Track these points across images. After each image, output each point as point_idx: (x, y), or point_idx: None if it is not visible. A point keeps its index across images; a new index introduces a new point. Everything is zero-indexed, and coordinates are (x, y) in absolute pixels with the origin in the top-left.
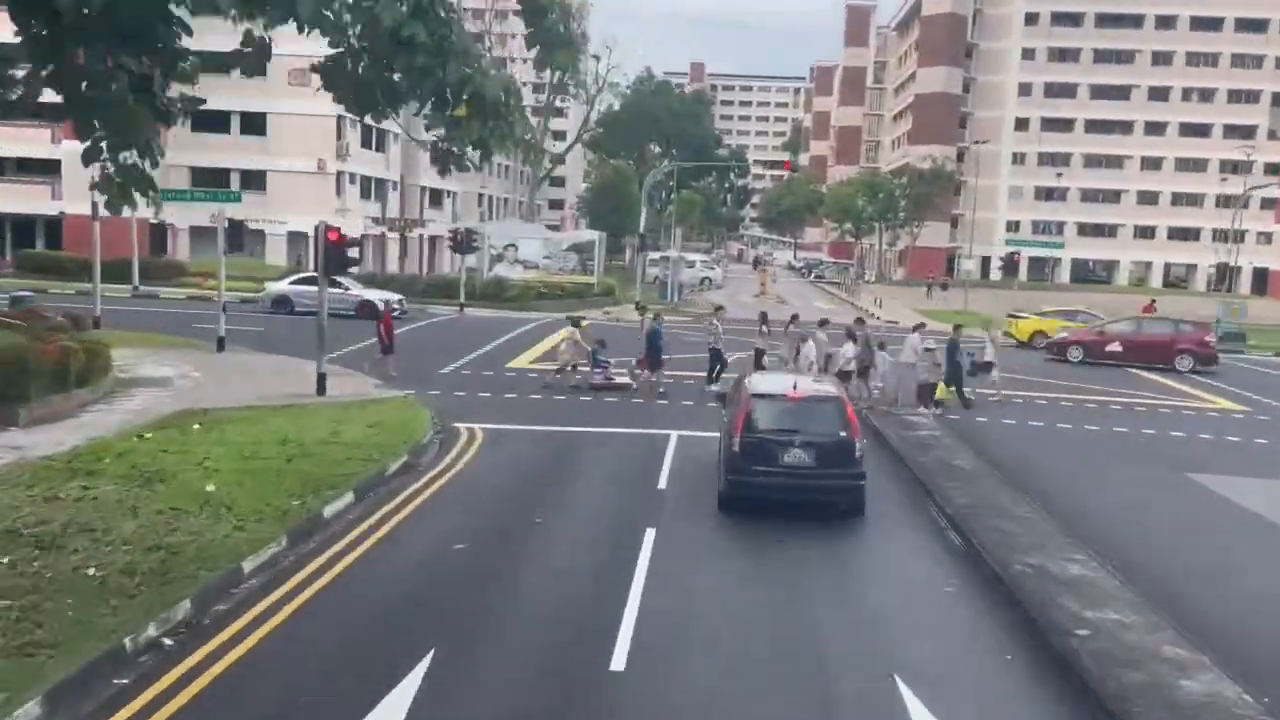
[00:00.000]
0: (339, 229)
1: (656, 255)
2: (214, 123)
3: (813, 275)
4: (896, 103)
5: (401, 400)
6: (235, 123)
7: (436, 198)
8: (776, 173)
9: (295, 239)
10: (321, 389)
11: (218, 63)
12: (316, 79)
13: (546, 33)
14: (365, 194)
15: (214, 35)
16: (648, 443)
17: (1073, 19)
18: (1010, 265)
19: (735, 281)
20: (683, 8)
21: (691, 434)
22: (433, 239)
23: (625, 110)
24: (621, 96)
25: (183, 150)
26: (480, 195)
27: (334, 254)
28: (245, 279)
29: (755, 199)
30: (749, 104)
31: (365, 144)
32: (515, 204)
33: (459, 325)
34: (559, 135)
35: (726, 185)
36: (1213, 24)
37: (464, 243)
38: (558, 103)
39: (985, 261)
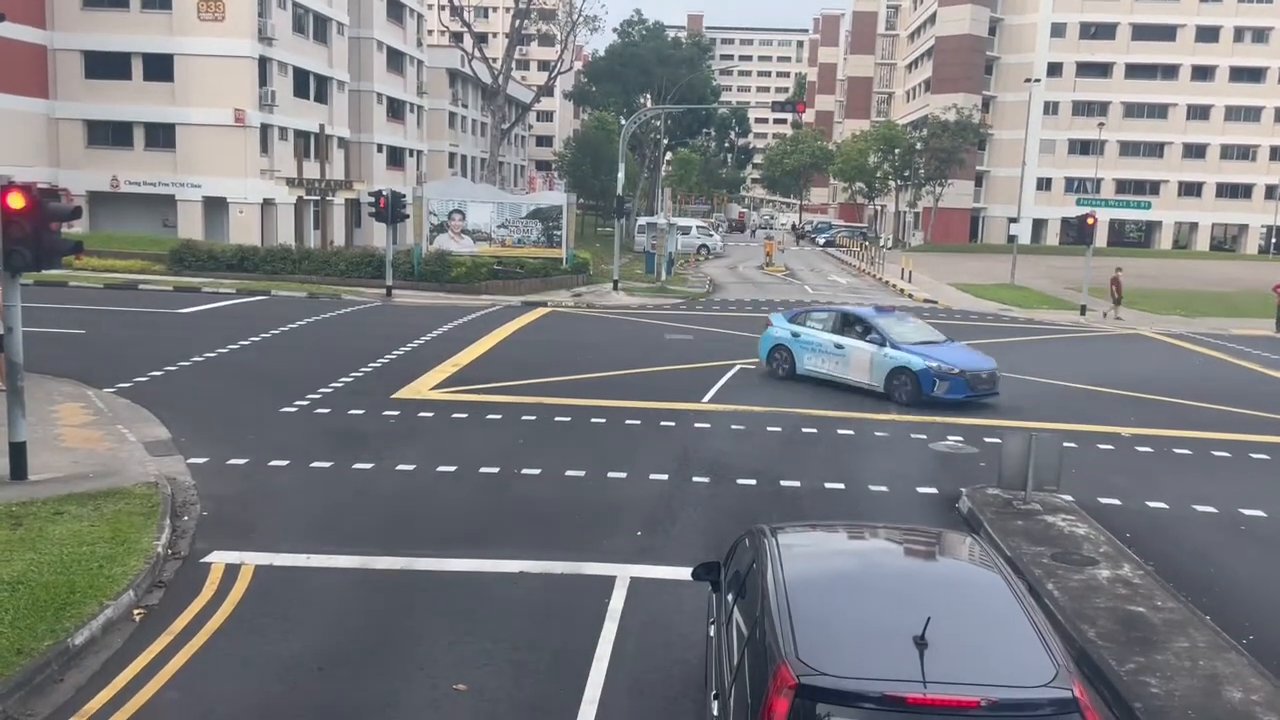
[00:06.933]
0: None
1: (644, 221)
2: (112, 67)
3: (823, 241)
4: (911, 49)
5: (140, 494)
6: (137, 66)
7: (396, 156)
8: (781, 124)
9: (213, 205)
10: (19, 468)
11: None
12: (230, 10)
13: None
14: (305, 152)
15: None
16: (567, 602)
17: None
18: (1084, 230)
19: (737, 250)
20: None
21: (657, 575)
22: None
23: (612, 57)
24: (608, 37)
25: (75, 100)
26: (451, 155)
27: None
28: (138, 257)
29: (757, 159)
30: (749, 58)
31: (300, 92)
32: (495, 165)
33: (372, 318)
34: (545, 91)
35: (726, 145)
36: None
37: (391, 208)
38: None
39: (1009, 223)
